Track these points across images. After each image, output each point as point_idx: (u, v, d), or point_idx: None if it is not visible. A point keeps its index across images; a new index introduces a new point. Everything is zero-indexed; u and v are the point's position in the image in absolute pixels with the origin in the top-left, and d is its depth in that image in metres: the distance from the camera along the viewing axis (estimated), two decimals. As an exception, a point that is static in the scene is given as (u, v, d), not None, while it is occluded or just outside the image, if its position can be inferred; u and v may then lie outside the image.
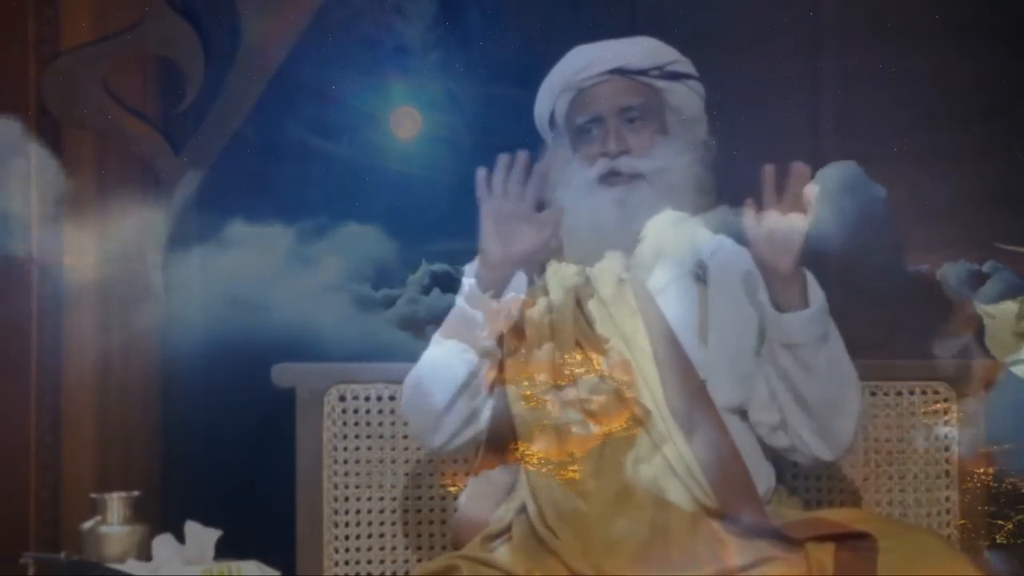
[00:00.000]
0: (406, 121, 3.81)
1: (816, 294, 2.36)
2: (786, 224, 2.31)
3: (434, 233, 3.80)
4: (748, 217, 2.35)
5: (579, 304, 2.46)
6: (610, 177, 2.50)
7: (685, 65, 2.60)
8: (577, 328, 2.44)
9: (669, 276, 2.49)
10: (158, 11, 3.77)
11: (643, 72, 2.55)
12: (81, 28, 3.74)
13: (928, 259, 3.83)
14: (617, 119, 2.52)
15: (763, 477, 2.43)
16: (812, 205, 2.32)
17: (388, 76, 3.83)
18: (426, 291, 3.90)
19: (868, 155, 3.81)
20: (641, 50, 2.57)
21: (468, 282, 2.43)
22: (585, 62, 2.56)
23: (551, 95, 2.61)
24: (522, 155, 2.40)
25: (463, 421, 2.45)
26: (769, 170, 2.34)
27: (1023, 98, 3.73)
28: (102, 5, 3.77)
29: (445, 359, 2.42)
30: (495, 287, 2.41)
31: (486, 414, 2.44)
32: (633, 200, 2.48)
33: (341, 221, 3.80)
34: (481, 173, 2.41)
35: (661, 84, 2.56)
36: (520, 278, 2.43)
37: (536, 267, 2.48)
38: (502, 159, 2.40)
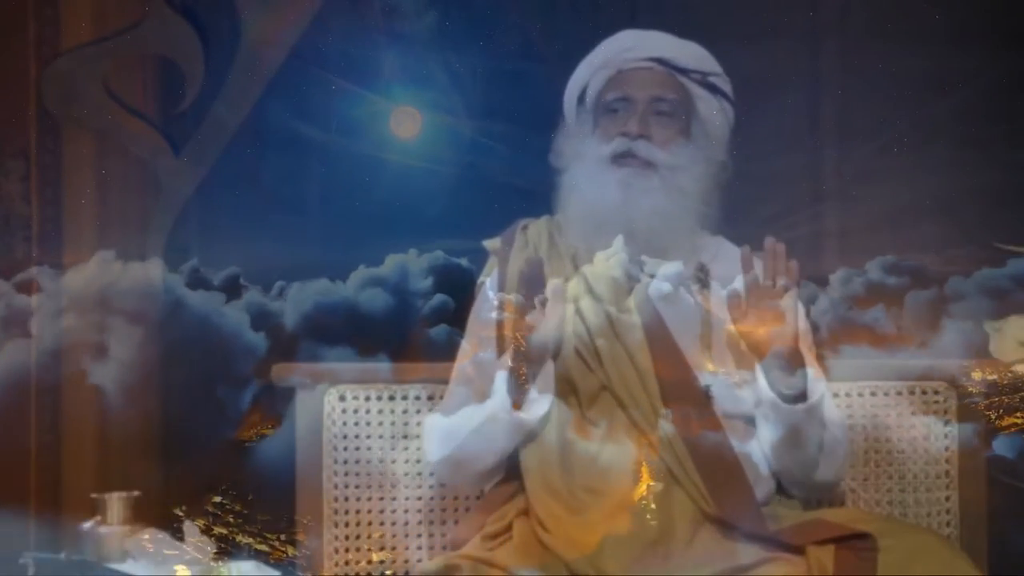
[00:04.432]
0: (406, 120, 3.81)
1: (817, 383, 2.36)
2: (774, 308, 2.31)
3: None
4: (733, 307, 2.34)
5: (578, 312, 2.45)
6: (623, 158, 2.49)
7: (725, 83, 2.60)
8: (576, 336, 2.44)
9: (670, 280, 2.48)
10: (158, 11, 3.76)
11: (685, 71, 2.56)
12: (81, 28, 3.74)
13: (927, 259, 3.83)
14: (646, 105, 2.52)
15: (764, 482, 2.43)
16: (795, 278, 2.32)
17: (388, 74, 3.84)
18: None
19: (867, 154, 3.81)
20: (690, 52, 2.58)
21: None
22: (632, 43, 2.57)
23: (590, 69, 2.61)
24: (535, 258, 2.41)
25: (498, 471, 2.47)
26: (746, 251, 2.35)
27: (1022, 97, 3.73)
28: (102, 5, 3.77)
29: (484, 429, 2.40)
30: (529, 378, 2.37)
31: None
32: (638, 185, 2.48)
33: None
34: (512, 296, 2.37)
35: (697, 90, 2.57)
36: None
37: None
38: (529, 264, 2.42)
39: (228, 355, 3.77)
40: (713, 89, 2.58)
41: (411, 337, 3.86)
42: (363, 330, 3.83)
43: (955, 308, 3.62)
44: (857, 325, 3.73)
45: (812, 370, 2.37)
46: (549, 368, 2.38)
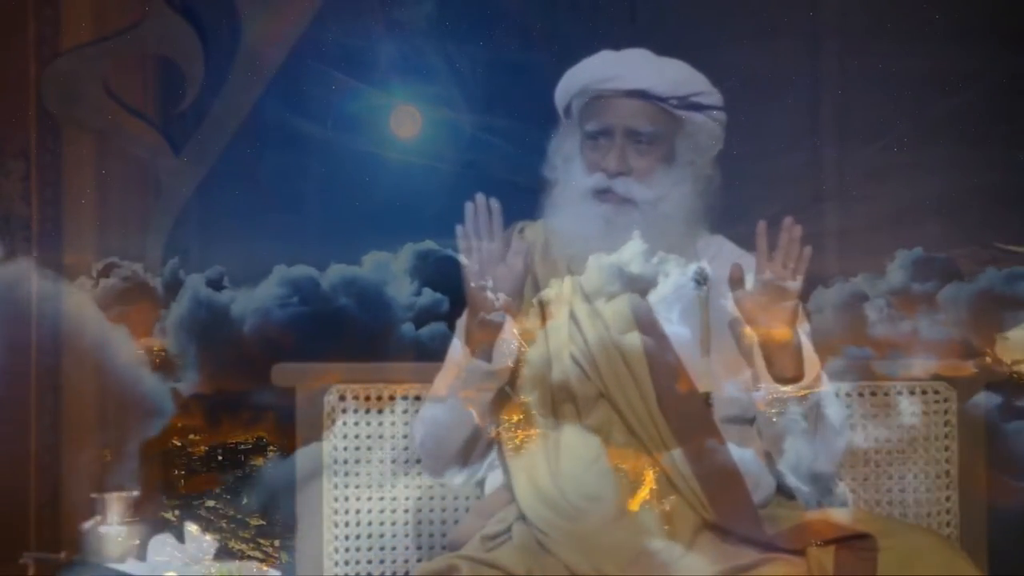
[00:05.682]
0: (405, 118, 3.82)
1: (812, 362, 2.36)
2: (778, 289, 2.31)
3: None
4: (735, 283, 2.34)
5: (574, 317, 2.45)
6: (603, 193, 2.47)
7: (710, 96, 2.54)
8: (572, 343, 2.43)
9: (669, 283, 2.47)
10: (158, 11, 3.77)
11: (663, 99, 2.51)
12: (81, 28, 3.75)
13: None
14: (624, 138, 2.48)
15: (764, 484, 2.43)
16: (804, 264, 2.31)
17: (388, 68, 3.84)
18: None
19: (867, 155, 3.81)
20: (668, 77, 2.51)
21: (459, 342, 2.43)
22: (611, 73, 2.51)
23: (569, 92, 2.57)
24: (481, 199, 2.39)
25: (478, 461, 2.47)
26: (762, 227, 2.34)
27: (1022, 97, 3.73)
28: (102, 5, 3.77)
29: (449, 417, 2.42)
30: (491, 336, 2.38)
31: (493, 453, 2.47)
32: (620, 222, 2.45)
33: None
34: (460, 231, 2.39)
35: (681, 112, 2.52)
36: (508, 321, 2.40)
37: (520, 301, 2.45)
38: (468, 208, 2.39)
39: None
40: (698, 108, 2.53)
41: (405, 337, 3.86)
42: (355, 330, 3.84)
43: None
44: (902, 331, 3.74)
45: (810, 354, 2.37)
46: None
